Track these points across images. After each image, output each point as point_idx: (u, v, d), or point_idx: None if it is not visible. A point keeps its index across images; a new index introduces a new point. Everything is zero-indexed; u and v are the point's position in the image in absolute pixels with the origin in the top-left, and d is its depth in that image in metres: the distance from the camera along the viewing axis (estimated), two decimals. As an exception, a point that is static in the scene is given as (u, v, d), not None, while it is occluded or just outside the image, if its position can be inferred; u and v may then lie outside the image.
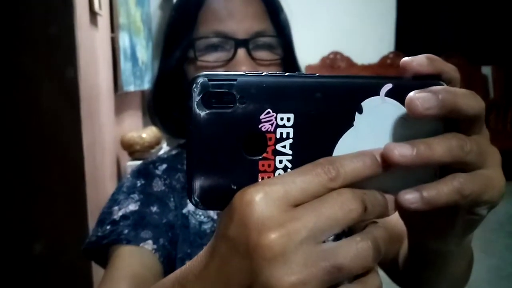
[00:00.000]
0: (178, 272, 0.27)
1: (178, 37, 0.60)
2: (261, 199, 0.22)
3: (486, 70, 3.98)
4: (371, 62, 3.98)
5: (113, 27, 1.88)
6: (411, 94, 0.23)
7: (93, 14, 1.50)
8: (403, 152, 0.23)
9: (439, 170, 0.25)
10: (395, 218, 0.33)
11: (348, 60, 3.99)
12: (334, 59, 3.99)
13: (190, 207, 0.61)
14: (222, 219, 0.24)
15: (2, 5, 1.16)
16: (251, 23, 0.57)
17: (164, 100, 0.65)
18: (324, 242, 0.23)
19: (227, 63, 0.56)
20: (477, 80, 3.86)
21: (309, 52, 3.56)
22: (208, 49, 0.57)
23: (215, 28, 0.57)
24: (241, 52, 0.56)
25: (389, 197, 0.25)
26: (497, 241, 2.53)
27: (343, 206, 0.22)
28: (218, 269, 0.24)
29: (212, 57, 0.57)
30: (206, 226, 0.60)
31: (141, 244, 0.53)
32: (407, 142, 0.23)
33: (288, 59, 0.62)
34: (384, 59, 4.00)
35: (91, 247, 0.57)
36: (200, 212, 0.61)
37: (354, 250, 0.22)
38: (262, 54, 0.58)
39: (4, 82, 1.19)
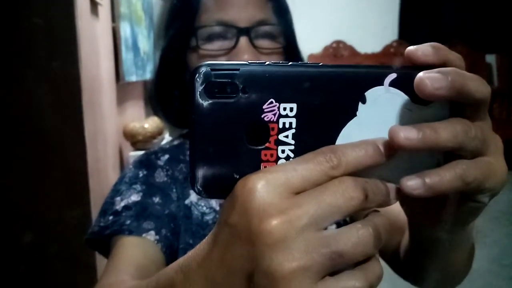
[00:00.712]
0: (180, 260, 0.28)
1: (180, 25, 0.60)
2: (263, 186, 0.22)
3: (490, 58, 3.95)
4: (374, 51, 3.95)
5: (114, 16, 1.86)
6: (421, 74, 0.23)
7: (93, 4, 1.49)
8: (409, 135, 0.22)
9: (443, 161, 0.25)
10: (397, 209, 0.33)
11: (351, 49, 3.97)
12: (337, 48, 3.97)
13: (192, 198, 0.61)
14: (224, 206, 0.24)
15: (2, -5, 1.15)
16: (253, 12, 0.57)
17: (166, 90, 0.65)
18: (325, 229, 0.23)
19: (229, 52, 0.56)
20: (481, 68, 3.83)
21: (311, 41, 3.53)
22: (210, 37, 0.57)
23: (217, 16, 0.57)
24: (243, 40, 0.56)
25: (391, 187, 0.25)
26: (498, 230, 2.54)
27: (344, 194, 0.22)
28: (220, 256, 0.24)
29: (214, 45, 0.57)
30: (208, 217, 0.60)
31: (144, 235, 0.54)
32: (413, 125, 0.23)
33: (290, 48, 0.62)
34: (387, 48, 3.97)
35: (93, 237, 0.57)
36: (202, 203, 0.61)
37: (355, 237, 0.22)
38: (264, 43, 0.58)
39: (3, 73, 1.18)
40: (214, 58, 0.57)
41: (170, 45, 0.62)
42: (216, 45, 0.57)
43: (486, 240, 2.34)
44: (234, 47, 0.56)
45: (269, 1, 0.59)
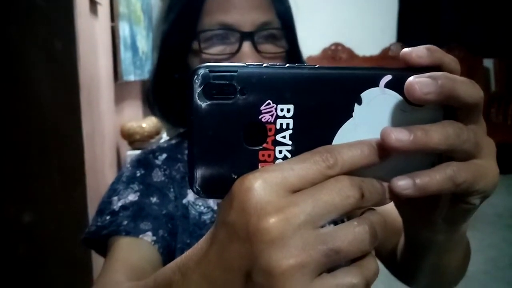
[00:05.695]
0: (178, 260, 0.28)
1: (181, 28, 0.59)
2: (260, 185, 0.23)
3: (488, 62, 3.96)
4: (372, 53, 3.96)
5: (113, 16, 1.86)
6: (411, 78, 0.23)
7: (93, 3, 1.49)
8: (400, 136, 0.23)
9: (438, 161, 0.25)
10: (395, 212, 0.33)
11: (349, 52, 3.98)
12: (335, 51, 3.97)
13: (190, 197, 0.61)
14: (222, 206, 0.25)
15: (1, -7, 1.15)
16: (257, 14, 0.56)
17: (164, 91, 0.64)
18: (322, 227, 0.23)
19: (232, 56, 0.56)
20: (479, 72, 3.84)
21: (310, 43, 3.52)
22: (213, 41, 0.56)
23: (221, 19, 0.56)
24: (246, 45, 0.55)
25: (387, 186, 0.25)
26: (495, 233, 2.55)
27: (340, 192, 0.23)
28: (218, 255, 0.24)
29: (216, 49, 0.56)
30: (206, 217, 0.60)
31: (141, 236, 0.53)
32: (405, 127, 0.23)
33: (293, 52, 0.62)
34: (385, 50, 3.98)
35: (90, 237, 0.57)
36: (200, 202, 0.61)
37: (352, 234, 0.23)
38: (267, 47, 0.57)
39: (3, 71, 1.18)
40: (216, 62, 0.56)
41: (169, 46, 0.61)
42: (218, 49, 0.56)
43: (483, 243, 2.35)
44: (237, 51, 0.55)
45: (272, 3, 0.59)
